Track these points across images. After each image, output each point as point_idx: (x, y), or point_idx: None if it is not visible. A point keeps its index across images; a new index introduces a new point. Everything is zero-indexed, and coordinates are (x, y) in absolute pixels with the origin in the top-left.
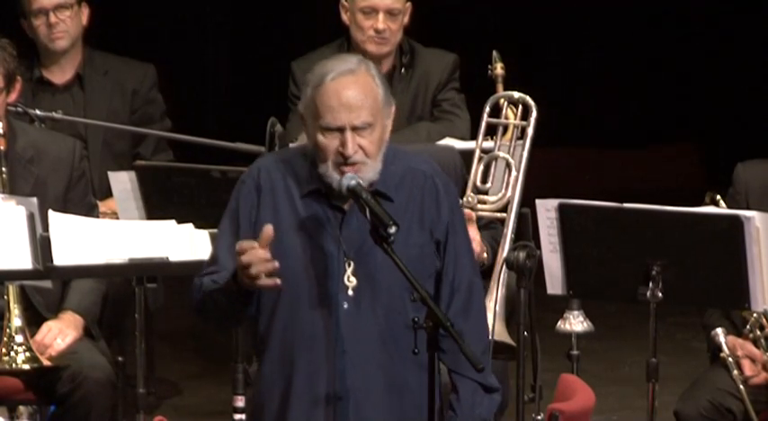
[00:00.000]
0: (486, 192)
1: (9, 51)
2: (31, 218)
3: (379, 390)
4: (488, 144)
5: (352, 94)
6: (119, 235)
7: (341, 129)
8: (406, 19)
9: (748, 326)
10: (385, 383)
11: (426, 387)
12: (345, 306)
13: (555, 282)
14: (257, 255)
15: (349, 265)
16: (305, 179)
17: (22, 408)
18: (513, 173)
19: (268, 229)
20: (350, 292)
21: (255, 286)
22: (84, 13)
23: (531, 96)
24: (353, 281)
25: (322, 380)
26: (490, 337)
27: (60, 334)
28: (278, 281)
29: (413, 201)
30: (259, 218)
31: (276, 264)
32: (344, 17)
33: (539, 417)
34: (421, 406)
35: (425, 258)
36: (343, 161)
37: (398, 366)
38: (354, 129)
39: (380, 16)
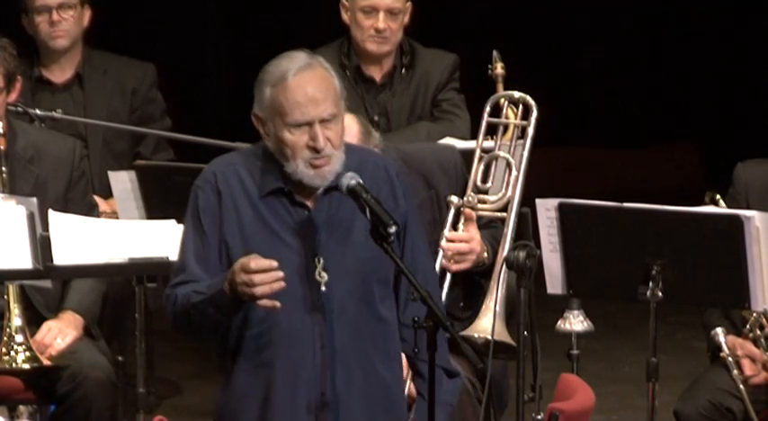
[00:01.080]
0: (486, 192)
1: (9, 51)
2: (31, 217)
3: (359, 383)
4: (489, 144)
5: (315, 87)
6: (119, 234)
7: (309, 124)
8: (407, 19)
9: (748, 326)
10: (364, 376)
11: (399, 378)
12: (320, 301)
13: (555, 282)
14: (268, 277)
15: (319, 261)
16: (262, 179)
17: (22, 408)
18: (514, 172)
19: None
20: (323, 288)
21: (253, 301)
22: (86, 15)
23: (531, 96)
24: (325, 276)
25: (304, 378)
26: (489, 337)
27: (60, 333)
28: (277, 303)
29: (371, 192)
30: (222, 223)
31: (283, 283)
32: (345, 16)
33: (539, 417)
34: (395, 397)
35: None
36: (315, 155)
37: (373, 358)
38: (321, 122)
39: (381, 15)
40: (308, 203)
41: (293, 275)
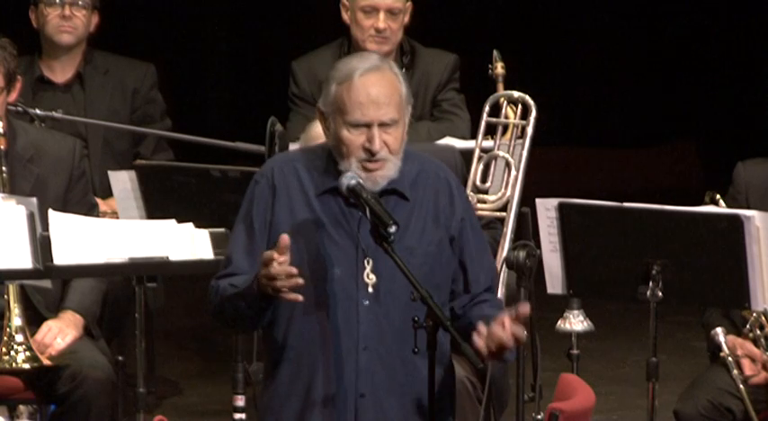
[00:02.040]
0: (485, 192)
1: (9, 51)
2: (31, 217)
3: (399, 387)
4: (488, 143)
5: (380, 90)
6: (119, 234)
7: (368, 125)
8: (407, 18)
9: (748, 326)
10: (405, 380)
11: (441, 384)
12: (366, 303)
13: (555, 282)
14: (283, 270)
15: (368, 263)
16: (320, 177)
17: (22, 408)
18: (513, 172)
19: (284, 239)
20: (370, 290)
21: (276, 296)
22: (94, 20)
23: (530, 96)
24: (373, 278)
25: (344, 377)
26: None
27: (60, 333)
28: (299, 297)
29: (427, 199)
30: (275, 218)
31: (300, 280)
32: (345, 16)
33: (539, 417)
34: (441, 401)
35: (443, 254)
36: (369, 157)
37: (417, 362)
38: (381, 125)
39: (381, 15)
40: None
41: (341, 276)
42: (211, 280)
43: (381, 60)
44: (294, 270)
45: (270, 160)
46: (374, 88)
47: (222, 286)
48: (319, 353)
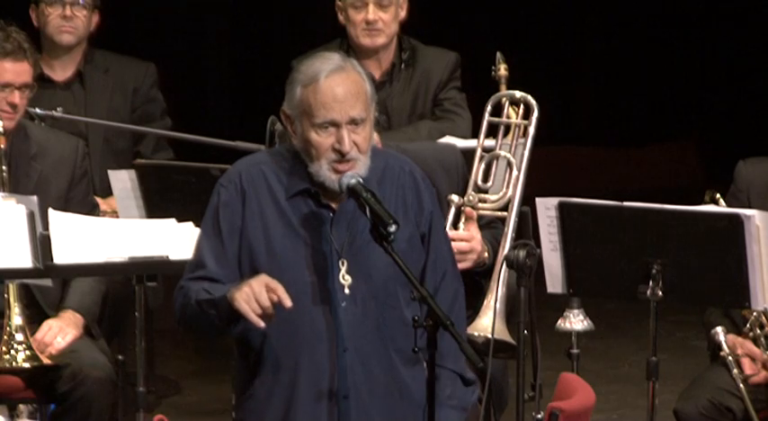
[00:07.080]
0: (486, 191)
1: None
2: (31, 216)
3: (381, 387)
4: (490, 143)
5: (346, 90)
6: (119, 233)
7: (336, 126)
8: (403, 13)
9: (748, 325)
10: (385, 379)
11: (421, 382)
12: (344, 304)
13: (555, 281)
14: (273, 300)
15: (343, 264)
16: (288, 180)
17: (22, 407)
18: (514, 172)
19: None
20: (346, 291)
21: (245, 313)
22: (95, 20)
23: (531, 95)
24: (349, 279)
25: (326, 379)
26: (489, 335)
27: (61, 332)
28: (262, 324)
29: (396, 195)
30: (245, 223)
31: (262, 326)
32: (340, 17)
33: (539, 416)
34: (417, 401)
35: (414, 251)
36: (339, 158)
37: (396, 362)
38: (349, 124)
39: (370, 7)
40: (334, 205)
41: (317, 278)
42: (180, 281)
43: (344, 60)
44: (288, 302)
45: (235, 165)
46: (340, 88)
47: (195, 289)
48: (300, 357)
